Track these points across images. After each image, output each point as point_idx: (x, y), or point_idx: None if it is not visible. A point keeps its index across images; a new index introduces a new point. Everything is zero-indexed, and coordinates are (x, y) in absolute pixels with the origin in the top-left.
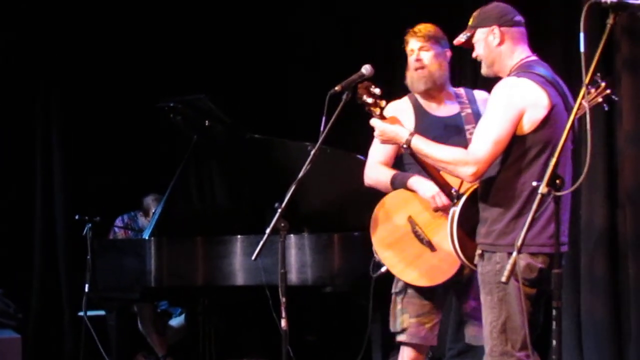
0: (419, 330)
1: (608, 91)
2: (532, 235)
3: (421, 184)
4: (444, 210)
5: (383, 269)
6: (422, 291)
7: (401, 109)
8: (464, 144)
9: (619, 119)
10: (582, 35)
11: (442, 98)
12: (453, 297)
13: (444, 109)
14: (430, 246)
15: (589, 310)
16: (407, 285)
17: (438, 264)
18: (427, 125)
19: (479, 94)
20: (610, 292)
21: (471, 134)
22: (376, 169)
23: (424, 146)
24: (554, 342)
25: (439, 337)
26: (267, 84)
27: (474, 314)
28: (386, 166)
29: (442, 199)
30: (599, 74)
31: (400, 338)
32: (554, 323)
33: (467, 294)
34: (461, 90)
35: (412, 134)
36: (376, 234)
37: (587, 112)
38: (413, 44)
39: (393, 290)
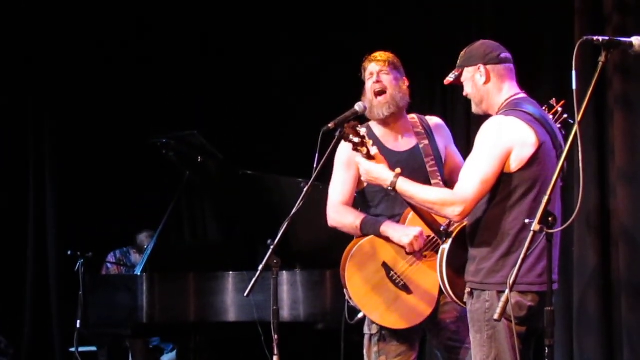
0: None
1: (565, 116)
2: (522, 274)
3: (394, 230)
4: (419, 253)
5: (360, 315)
6: (398, 333)
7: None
8: (424, 178)
9: (611, 155)
10: (574, 72)
11: (400, 128)
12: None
13: (402, 142)
14: (406, 289)
15: (581, 348)
16: (382, 328)
17: (415, 305)
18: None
19: (431, 120)
20: (602, 330)
21: (431, 167)
22: (341, 212)
23: (409, 187)
24: None
25: None
26: (260, 120)
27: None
28: (347, 205)
29: (419, 243)
30: (554, 98)
31: None
32: None
33: (441, 325)
34: (415, 118)
35: (396, 176)
36: (351, 283)
37: (580, 149)
38: (372, 68)
39: (366, 332)
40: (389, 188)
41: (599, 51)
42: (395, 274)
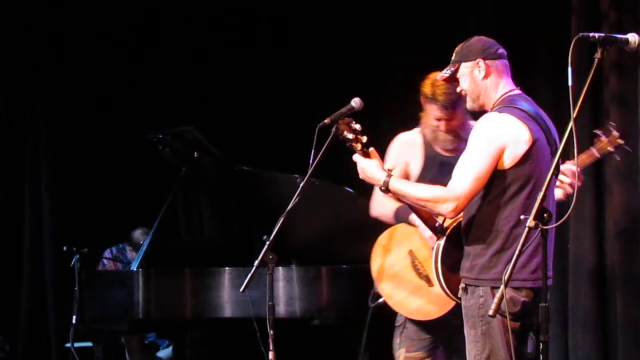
0: None
1: (621, 141)
2: (515, 270)
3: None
4: None
5: (381, 300)
6: (421, 327)
7: (411, 143)
8: None
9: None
10: (569, 69)
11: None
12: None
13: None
14: (428, 281)
15: (576, 344)
16: (406, 320)
17: (435, 299)
18: (431, 164)
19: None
20: (597, 325)
21: None
22: (380, 202)
23: (402, 187)
24: None
25: None
26: (256, 116)
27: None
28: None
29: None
30: (613, 124)
31: None
32: (540, 357)
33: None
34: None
35: (389, 176)
36: (376, 264)
37: (575, 148)
38: (435, 113)
39: (395, 324)
40: (382, 188)
41: (595, 48)
42: (420, 263)
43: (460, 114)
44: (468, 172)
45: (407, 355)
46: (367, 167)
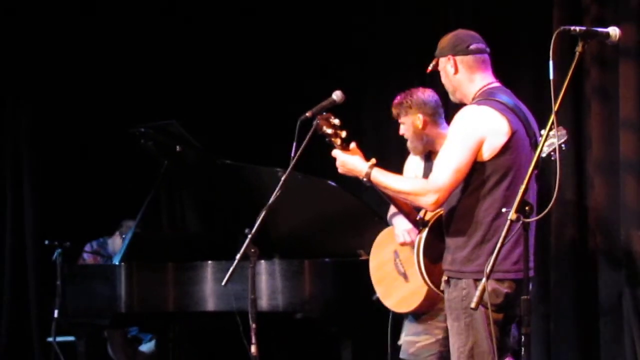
0: (408, 347)
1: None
2: (497, 262)
3: (397, 221)
4: (411, 245)
5: (375, 296)
6: (416, 315)
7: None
8: None
9: (588, 145)
10: (551, 62)
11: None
12: None
13: None
14: (405, 277)
15: (558, 336)
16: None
17: (406, 294)
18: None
19: None
20: (579, 317)
21: None
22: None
23: (383, 178)
24: None
25: None
26: (238, 109)
27: None
28: None
29: (406, 237)
30: (561, 127)
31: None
32: (522, 349)
33: None
34: None
35: (371, 167)
36: (372, 262)
37: (557, 142)
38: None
39: None
40: (364, 179)
41: (576, 42)
42: (400, 262)
43: (408, 124)
44: (448, 165)
45: (405, 339)
46: (348, 160)
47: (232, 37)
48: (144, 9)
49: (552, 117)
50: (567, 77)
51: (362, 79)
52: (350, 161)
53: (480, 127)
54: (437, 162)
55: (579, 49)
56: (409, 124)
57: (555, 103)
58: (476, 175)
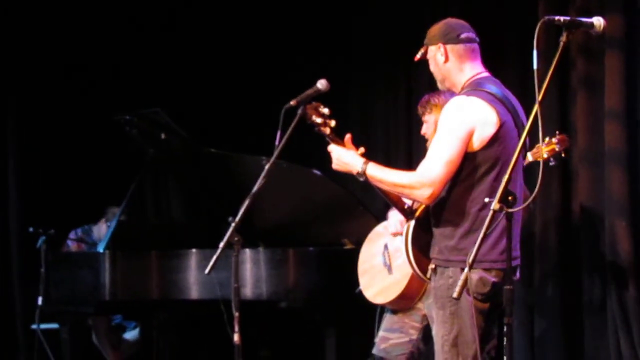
0: (381, 342)
1: (557, 148)
2: (484, 252)
3: (391, 213)
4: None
5: (358, 289)
6: (393, 310)
7: None
8: None
9: (574, 136)
10: (535, 52)
11: None
12: None
13: None
14: (389, 269)
15: (541, 327)
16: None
17: (387, 286)
18: None
19: None
20: (563, 309)
21: None
22: None
23: (378, 173)
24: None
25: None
26: (224, 97)
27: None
28: None
29: (398, 227)
30: (557, 132)
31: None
32: (504, 339)
33: None
34: None
35: (366, 163)
36: (361, 255)
37: (541, 129)
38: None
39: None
40: (359, 174)
41: (561, 32)
42: (388, 253)
43: (431, 122)
44: (440, 157)
45: (380, 334)
46: (343, 155)
47: (217, 26)
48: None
49: (536, 107)
50: (551, 67)
51: (347, 68)
52: (345, 156)
53: (469, 118)
54: (429, 154)
55: (563, 39)
56: (431, 123)
57: (539, 93)
58: (465, 165)
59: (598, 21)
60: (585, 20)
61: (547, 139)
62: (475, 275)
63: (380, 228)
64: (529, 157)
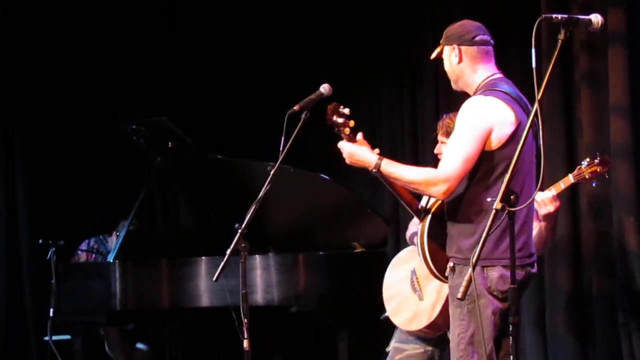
0: (395, 353)
1: (599, 169)
2: (503, 249)
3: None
4: None
5: (384, 315)
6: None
7: None
8: None
9: (579, 132)
10: (533, 50)
11: None
12: None
13: None
14: (420, 295)
15: (553, 324)
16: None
17: (418, 312)
18: None
19: None
20: (573, 305)
21: None
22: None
23: (393, 169)
24: (511, 358)
25: None
26: (229, 104)
27: None
28: None
29: None
30: (597, 153)
31: None
32: (510, 339)
33: None
34: None
35: (381, 158)
36: (385, 280)
37: (540, 126)
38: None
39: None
40: (373, 170)
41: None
42: (417, 280)
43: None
44: (457, 154)
45: (393, 345)
46: (356, 151)
47: (221, 33)
48: (133, 6)
49: (536, 106)
50: (550, 65)
51: (350, 71)
52: (359, 152)
53: (487, 117)
54: (447, 152)
55: (561, 36)
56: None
57: (538, 91)
58: (483, 164)
59: (596, 18)
60: (582, 17)
61: (587, 160)
62: (495, 272)
63: (404, 253)
64: (570, 178)
